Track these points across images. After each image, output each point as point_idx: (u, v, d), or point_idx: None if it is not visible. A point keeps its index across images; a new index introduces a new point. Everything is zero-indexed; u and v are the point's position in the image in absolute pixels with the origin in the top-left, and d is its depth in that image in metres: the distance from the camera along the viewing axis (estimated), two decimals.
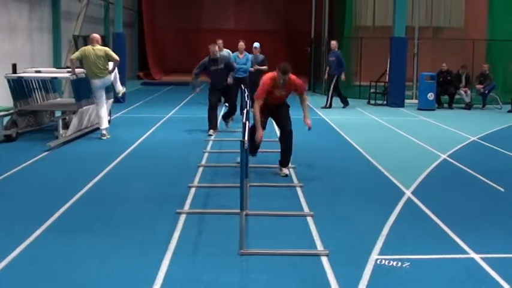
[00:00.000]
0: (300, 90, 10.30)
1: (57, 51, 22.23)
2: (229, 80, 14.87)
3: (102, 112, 13.96)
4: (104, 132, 13.96)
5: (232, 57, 17.24)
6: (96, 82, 13.84)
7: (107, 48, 13.96)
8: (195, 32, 38.64)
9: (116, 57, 14.02)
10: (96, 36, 14.19)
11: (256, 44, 18.63)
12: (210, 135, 14.36)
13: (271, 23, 38.71)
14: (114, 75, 14.57)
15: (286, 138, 10.36)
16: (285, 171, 10.32)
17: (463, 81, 22.40)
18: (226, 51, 18.92)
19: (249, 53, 18.02)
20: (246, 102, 10.50)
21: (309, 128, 10.21)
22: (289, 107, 10.55)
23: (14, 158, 11.44)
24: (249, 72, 17.59)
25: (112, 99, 16.48)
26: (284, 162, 10.44)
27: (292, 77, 10.03)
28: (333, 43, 21.78)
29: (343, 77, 21.76)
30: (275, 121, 10.86)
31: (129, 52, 30.90)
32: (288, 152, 10.41)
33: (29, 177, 10.09)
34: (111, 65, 13.99)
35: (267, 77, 10.09)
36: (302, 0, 33.77)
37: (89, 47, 13.80)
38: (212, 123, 14.77)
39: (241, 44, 17.55)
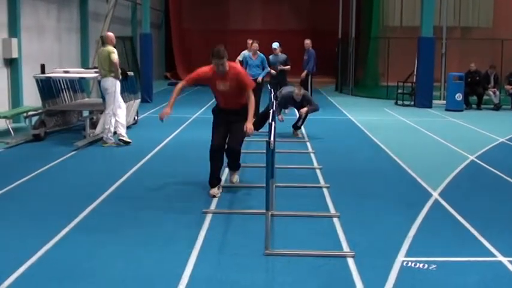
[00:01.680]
0: (243, 82, 8.77)
1: (85, 51, 22.40)
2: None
3: (106, 116, 13.12)
4: (103, 136, 13.11)
5: (244, 58, 16.96)
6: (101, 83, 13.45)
7: (110, 49, 13.04)
8: (221, 32, 38.70)
9: (114, 60, 12.91)
10: (109, 35, 13.51)
11: (275, 45, 18.33)
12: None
13: (298, 23, 38.66)
14: (114, 87, 13.06)
15: (228, 154, 9.12)
16: (234, 177, 9.57)
17: (491, 82, 22.19)
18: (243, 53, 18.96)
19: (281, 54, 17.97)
20: (273, 102, 10.49)
21: (247, 135, 8.80)
22: (244, 118, 8.75)
23: (42, 157, 11.54)
24: (273, 74, 17.48)
25: (139, 99, 16.57)
26: (231, 166, 9.55)
27: (237, 67, 8.96)
28: (307, 42, 21.24)
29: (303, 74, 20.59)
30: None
31: (156, 53, 31.10)
32: (232, 162, 9.40)
33: (57, 176, 10.18)
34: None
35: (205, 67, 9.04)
36: (329, 0, 33.69)
37: (102, 48, 13.63)
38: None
39: (255, 45, 16.89)
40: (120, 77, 13.18)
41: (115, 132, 12.93)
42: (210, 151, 8.91)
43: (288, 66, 18.15)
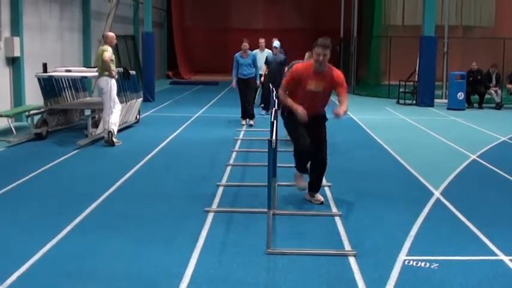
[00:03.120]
0: (341, 86, 8.10)
1: (87, 50, 22.40)
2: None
3: (105, 114, 13.11)
4: (105, 136, 13.02)
5: (235, 58, 16.65)
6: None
7: (104, 48, 12.97)
8: (223, 31, 38.75)
9: (104, 57, 12.78)
10: (107, 34, 13.50)
11: (276, 43, 17.94)
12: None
13: (300, 22, 38.65)
14: (109, 86, 12.96)
15: (317, 167, 8.44)
16: (318, 197, 8.55)
17: (493, 81, 22.19)
18: (267, 51, 18.99)
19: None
20: (274, 101, 10.48)
21: (337, 116, 7.85)
22: (326, 121, 8.45)
23: (44, 156, 11.55)
24: (273, 74, 17.09)
25: (141, 98, 16.59)
26: (315, 187, 8.59)
27: (335, 69, 8.19)
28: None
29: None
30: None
31: (158, 51, 31.11)
32: (319, 179, 8.57)
33: (59, 175, 10.19)
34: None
35: (297, 65, 8.48)
36: None
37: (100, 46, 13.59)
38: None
39: (245, 44, 16.55)
40: (116, 76, 13.15)
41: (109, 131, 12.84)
42: (300, 154, 8.35)
43: (286, 68, 17.95)
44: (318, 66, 7.90)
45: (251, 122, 16.42)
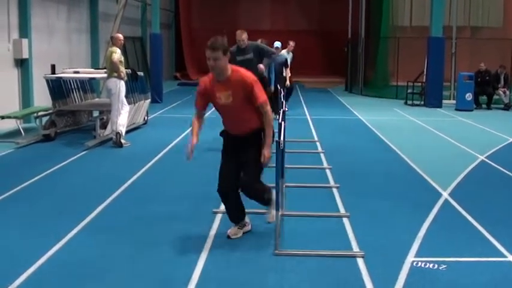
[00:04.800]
0: (252, 92, 6.59)
1: (95, 52, 22.45)
2: (261, 66, 12.47)
3: (113, 116, 13.11)
4: (113, 137, 13.06)
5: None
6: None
7: (113, 49, 12.99)
8: (231, 32, 38.75)
9: (113, 59, 12.81)
10: (116, 36, 13.51)
11: (278, 44, 17.62)
12: None
13: (308, 24, 38.63)
14: (118, 88, 13.02)
15: (245, 194, 6.99)
16: (270, 214, 7.24)
17: (501, 81, 22.13)
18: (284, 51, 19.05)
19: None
20: (282, 102, 10.48)
21: (264, 165, 6.78)
22: (259, 142, 6.74)
23: (53, 157, 11.58)
24: (275, 75, 16.86)
25: (149, 100, 16.60)
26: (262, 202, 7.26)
27: (242, 70, 6.76)
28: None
29: None
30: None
31: (166, 53, 31.13)
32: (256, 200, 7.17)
33: (67, 176, 10.21)
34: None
35: (202, 77, 7.07)
36: (339, 1, 33.68)
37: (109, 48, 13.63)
38: None
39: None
40: (125, 77, 13.17)
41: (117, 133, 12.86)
42: (219, 193, 6.99)
43: (288, 70, 17.84)
44: (215, 74, 6.63)
45: None
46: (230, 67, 6.65)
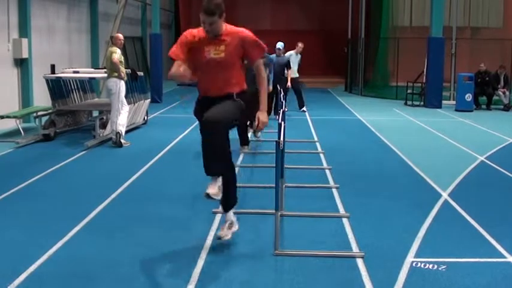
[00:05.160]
0: (251, 46, 6.21)
1: (95, 52, 22.45)
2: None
3: (113, 116, 13.09)
4: (113, 137, 13.04)
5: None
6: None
7: (113, 49, 12.97)
8: None
9: (113, 59, 12.77)
10: (115, 36, 13.52)
11: (280, 45, 17.59)
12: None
13: (308, 24, 38.61)
14: (118, 88, 12.99)
15: (204, 133, 6.11)
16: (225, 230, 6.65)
17: (501, 82, 22.12)
18: (288, 53, 19.11)
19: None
20: (282, 102, 10.49)
21: (260, 128, 6.41)
22: (233, 99, 6.20)
23: (52, 157, 11.58)
24: (277, 76, 16.41)
25: (149, 100, 16.60)
26: (225, 203, 6.71)
27: (239, 28, 6.31)
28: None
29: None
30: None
31: (166, 53, 30.96)
32: (225, 181, 6.55)
33: (67, 176, 10.21)
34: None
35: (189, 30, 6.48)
36: (339, 1, 33.68)
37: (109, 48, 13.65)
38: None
39: None
40: (125, 77, 13.17)
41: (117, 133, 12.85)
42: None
43: (289, 71, 17.73)
44: (209, 34, 6.10)
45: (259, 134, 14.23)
46: (225, 24, 6.16)
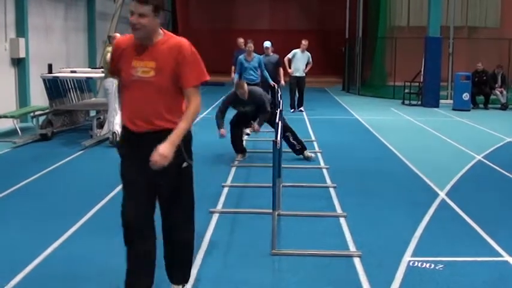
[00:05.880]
0: (186, 64, 4.61)
1: (92, 51, 22.43)
2: (256, 126, 11.25)
3: (110, 116, 13.03)
4: (110, 137, 12.89)
5: (239, 61, 14.95)
6: None
7: (109, 49, 12.94)
8: (229, 32, 38.74)
9: (107, 58, 12.30)
10: (112, 35, 13.52)
11: (267, 43, 17.11)
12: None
13: (306, 23, 38.60)
14: (114, 87, 12.49)
15: (174, 250, 5.09)
16: None
17: (498, 81, 22.14)
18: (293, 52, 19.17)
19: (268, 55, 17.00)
20: (280, 102, 10.48)
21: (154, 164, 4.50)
22: (187, 151, 4.79)
23: (49, 156, 11.57)
24: (273, 78, 15.93)
25: None
26: (173, 275, 5.24)
27: (177, 36, 4.83)
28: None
29: None
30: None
31: None
32: (178, 264, 5.18)
33: (64, 176, 10.20)
34: None
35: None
36: (337, 0, 33.67)
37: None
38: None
39: (250, 45, 14.84)
40: None
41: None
42: (124, 233, 4.90)
43: (281, 69, 17.49)
44: (138, 37, 4.62)
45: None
46: (163, 31, 4.73)
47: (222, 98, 11.43)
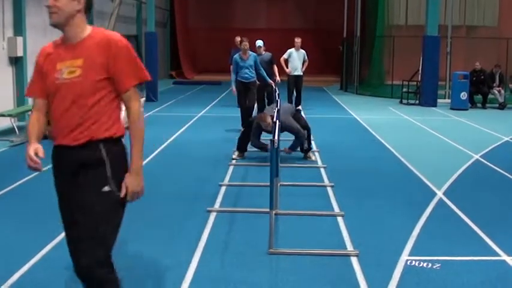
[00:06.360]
0: (118, 61, 3.90)
1: None
2: (287, 150, 11.36)
3: None
4: None
5: (234, 60, 14.75)
6: None
7: None
8: (226, 31, 38.74)
9: None
10: None
11: (260, 42, 16.77)
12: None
13: (303, 22, 38.65)
14: None
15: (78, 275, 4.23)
16: None
17: (496, 81, 22.16)
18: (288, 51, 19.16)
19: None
20: (277, 100, 10.48)
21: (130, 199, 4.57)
22: (114, 170, 4.38)
23: (47, 155, 11.46)
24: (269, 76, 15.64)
25: (144, 98, 16.59)
26: None
27: (108, 31, 4.10)
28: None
29: None
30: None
31: (161, 51, 31.11)
32: None
33: None
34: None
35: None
36: None
37: None
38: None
39: (245, 44, 14.51)
40: None
41: None
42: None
43: (275, 66, 17.34)
44: (55, 22, 4.32)
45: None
46: (91, 27, 4.11)
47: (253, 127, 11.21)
